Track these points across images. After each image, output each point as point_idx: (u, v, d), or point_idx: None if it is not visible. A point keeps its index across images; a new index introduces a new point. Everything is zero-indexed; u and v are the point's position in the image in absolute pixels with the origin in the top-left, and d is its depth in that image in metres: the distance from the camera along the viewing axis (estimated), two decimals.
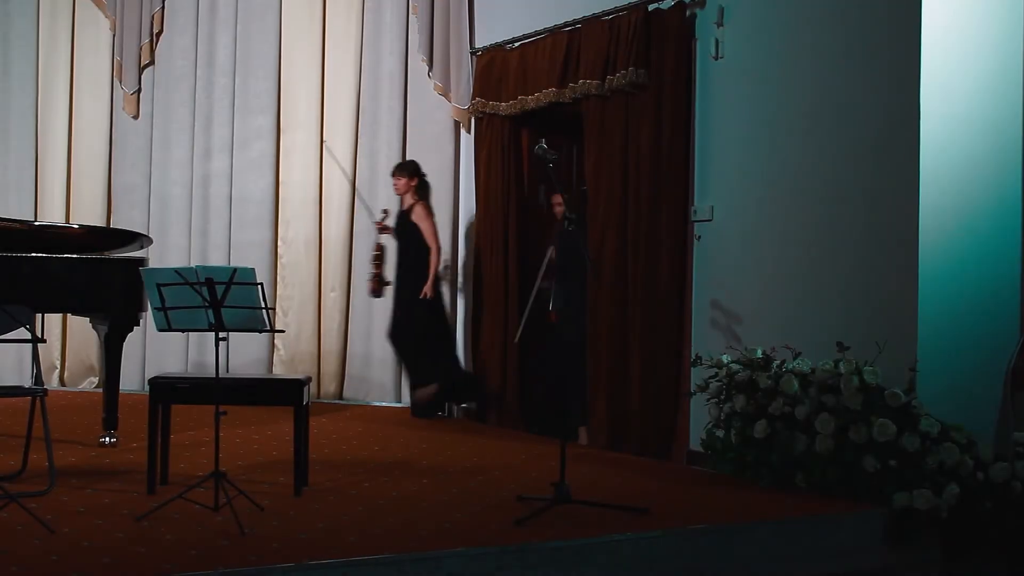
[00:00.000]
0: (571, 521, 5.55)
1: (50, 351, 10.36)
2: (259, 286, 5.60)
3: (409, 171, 9.25)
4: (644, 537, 5.39)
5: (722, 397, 6.79)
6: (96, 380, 10.27)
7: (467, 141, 9.74)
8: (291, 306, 10.08)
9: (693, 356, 7.20)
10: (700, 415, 7.20)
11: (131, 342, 7.87)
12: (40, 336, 6.69)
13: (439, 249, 9.12)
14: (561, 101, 8.45)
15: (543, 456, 7.25)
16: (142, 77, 10.58)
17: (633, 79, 7.76)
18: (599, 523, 5.53)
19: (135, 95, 10.58)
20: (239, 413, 8.27)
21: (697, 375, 7.15)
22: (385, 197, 9.65)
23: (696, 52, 7.67)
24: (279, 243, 10.21)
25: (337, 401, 9.85)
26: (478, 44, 9.56)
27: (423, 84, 9.85)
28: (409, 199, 9.20)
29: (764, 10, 7.26)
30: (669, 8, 7.72)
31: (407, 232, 9.14)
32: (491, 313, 9.17)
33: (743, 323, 7.29)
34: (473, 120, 9.54)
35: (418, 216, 9.10)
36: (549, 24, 8.67)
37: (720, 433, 6.83)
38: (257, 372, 9.87)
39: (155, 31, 10.52)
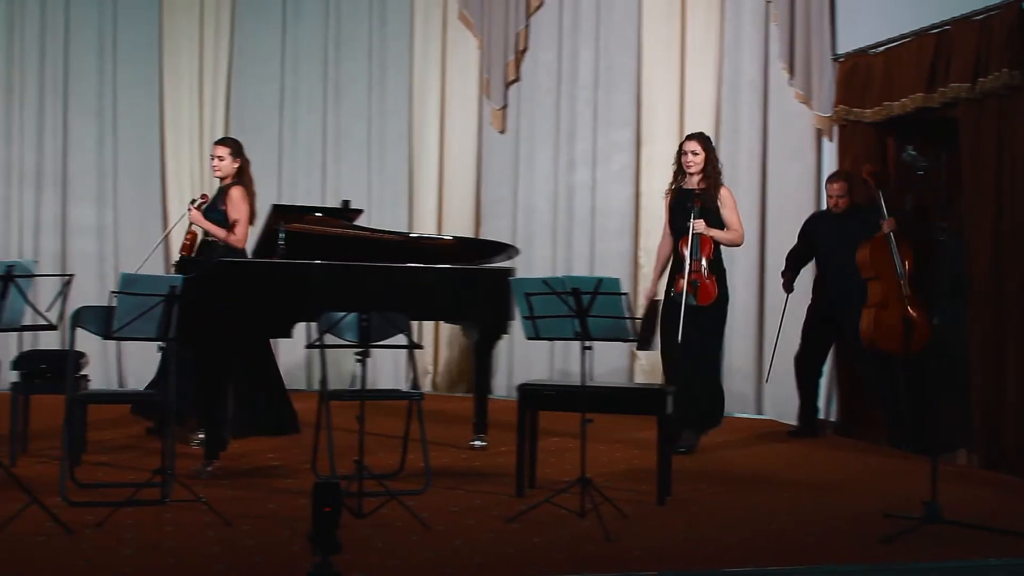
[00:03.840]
0: (941, 542, 5.35)
1: (424, 357, 10.87)
2: (625, 296, 5.70)
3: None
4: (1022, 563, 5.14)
5: None
6: (466, 386, 10.69)
7: (828, 149, 9.54)
8: None
9: None
10: None
11: (498, 349, 8.15)
12: (417, 342, 7.03)
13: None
14: (929, 106, 8.16)
15: (909, 473, 7.02)
16: (508, 93, 10.97)
17: (1007, 81, 7.40)
18: (972, 546, 5.31)
19: (502, 110, 10.98)
20: (602, 421, 8.43)
21: None
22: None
23: None
24: (640, 254, 10.33)
25: None
26: (840, 50, 9.35)
27: (783, 92, 9.71)
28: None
29: None
30: None
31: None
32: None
33: None
34: (835, 128, 9.34)
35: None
36: (915, 27, 8.38)
37: None
38: (619, 381, 10.02)
39: (520, 48, 10.89)
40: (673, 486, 6.26)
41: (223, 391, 6.84)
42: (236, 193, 7.85)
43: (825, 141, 9.51)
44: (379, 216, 10.62)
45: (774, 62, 9.78)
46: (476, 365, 7.96)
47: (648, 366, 10.24)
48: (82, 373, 7.06)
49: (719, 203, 7.72)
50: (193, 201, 8.05)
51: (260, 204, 7.85)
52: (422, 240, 8.33)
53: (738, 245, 8.00)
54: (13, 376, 7.17)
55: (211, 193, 8.14)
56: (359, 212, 7.86)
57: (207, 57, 11.20)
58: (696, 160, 7.74)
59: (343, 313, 6.36)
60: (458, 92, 11.21)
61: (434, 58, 11.24)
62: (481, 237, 10.48)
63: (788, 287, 8.81)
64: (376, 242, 7.81)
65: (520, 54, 10.92)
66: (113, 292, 5.75)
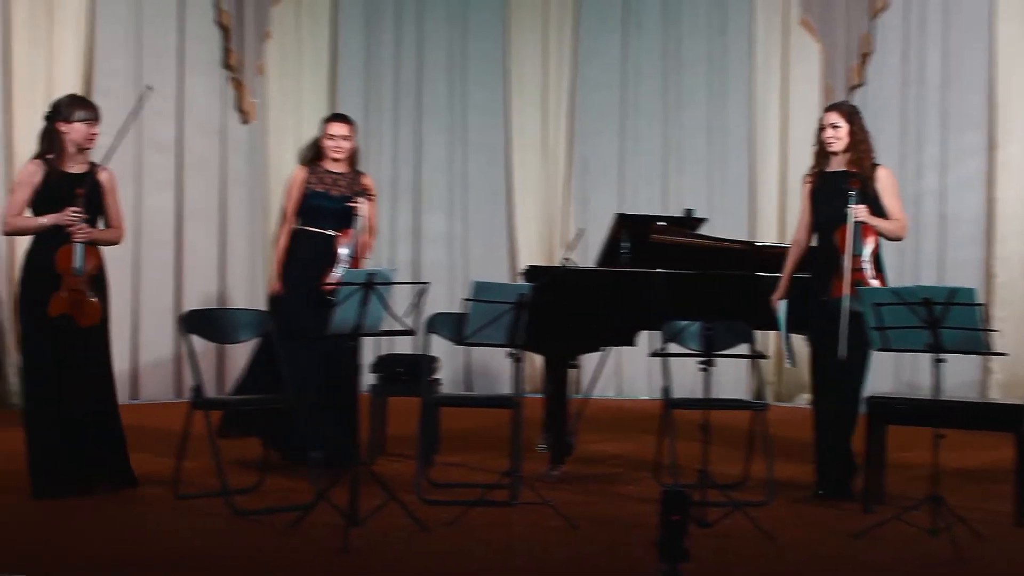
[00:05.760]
0: None
1: (767, 367, 10.76)
2: (981, 307, 5.49)
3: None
4: None
5: None
6: (807, 397, 10.50)
7: None
8: (1007, 328, 9.68)
9: None
10: None
11: None
12: (761, 352, 6.98)
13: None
14: None
15: None
16: (852, 98, 10.67)
17: None
18: None
19: None
20: (955, 437, 8.10)
21: None
22: None
23: None
24: (994, 263, 9.88)
25: None
26: None
27: None
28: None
29: None
30: None
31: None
32: None
33: None
34: None
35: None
36: None
37: None
38: (971, 395, 9.62)
39: (863, 52, 10.63)
40: None
41: (565, 398, 7.00)
42: (371, 182, 7.15)
43: None
44: (721, 225, 10.58)
45: None
46: None
47: (1005, 380, 9.77)
48: (435, 377, 7.35)
49: (878, 188, 6.41)
50: (363, 195, 6.90)
51: (603, 214, 7.97)
52: (764, 249, 8.24)
53: (900, 239, 6.69)
54: (372, 379, 7.57)
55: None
56: (703, 220, 7.86)
57: (551, 72, 11.49)
58: (838, 135, 6.34)
59: (686, 322, 6.40)
60: (800, 99, 11.01)
61: (774, 65, 11.11)
62: None
63: None
64: (719, 251, 7.78)
65: (864, 58, 10.66)
66: (465, 299, 5.98)
